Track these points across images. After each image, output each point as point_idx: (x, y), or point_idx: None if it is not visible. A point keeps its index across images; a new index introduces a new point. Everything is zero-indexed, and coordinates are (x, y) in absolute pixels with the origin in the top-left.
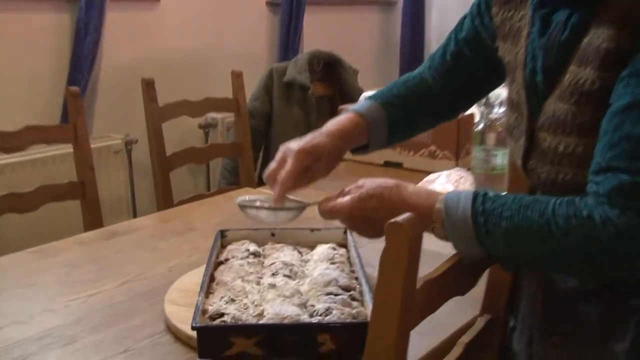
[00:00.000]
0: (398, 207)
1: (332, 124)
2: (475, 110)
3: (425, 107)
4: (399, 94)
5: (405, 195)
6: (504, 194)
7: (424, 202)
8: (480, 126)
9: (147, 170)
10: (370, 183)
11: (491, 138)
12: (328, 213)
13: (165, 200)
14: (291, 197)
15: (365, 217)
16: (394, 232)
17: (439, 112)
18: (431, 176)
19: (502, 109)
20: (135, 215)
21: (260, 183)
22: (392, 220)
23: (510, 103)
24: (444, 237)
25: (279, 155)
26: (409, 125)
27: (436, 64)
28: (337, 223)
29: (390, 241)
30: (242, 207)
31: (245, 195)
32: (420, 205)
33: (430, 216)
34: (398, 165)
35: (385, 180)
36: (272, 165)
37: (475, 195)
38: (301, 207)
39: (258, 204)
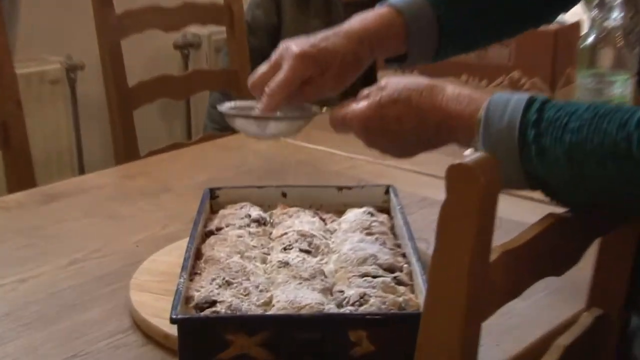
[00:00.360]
0: (429, 116)
1: (356, 22)
2: (581, 13)
3: (497, 2)
4: None
5: (439, 100)
6: (575, 101)
7: (463, 108)
8: (590, 39)
9: (100, 108)
10: (395, 83)
11: (606, 57)
12: (339, 123)
13: (127, 150)
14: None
15: (386, 130)
16: (457, 179)
17: (520, 12)
18: None
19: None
20: (82, 171)
21: None
22: (457, 162)
23: None
24: None
25: (273, 57)
26: (470, 31)
27: None
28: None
29: (453, 194)
30: (230, 116)
31: (235, 101)
32: (460, 114)
33: (472, 128)
34: None
35: (416, 79)
36: (262, 68)
37: (532, 100)
38: (307, 116)
39: (253, 112)
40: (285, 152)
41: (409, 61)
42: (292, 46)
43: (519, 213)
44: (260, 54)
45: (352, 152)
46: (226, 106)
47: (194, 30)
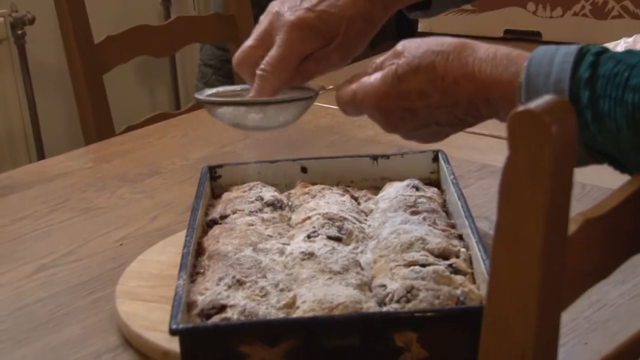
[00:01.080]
0: (460, 88)
1: None
2: None
3: None
4: None
5: (470, 65)
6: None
7: (501, 73)
8: None
9: (59, 73)
10: (415, 48)
11: None
12: (348, 104)
13: (99, 126)
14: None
15: (407, 109)
16: (522, 130)
17: None
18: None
19: None
20: (42, 154)
21: None
22: (522, 108)
23: None
24: None
25: (261, 26)
26: None
27: None
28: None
29: (517, 149)
30: (208, 103)
31: (219, 87)
32: (496, 81)
33: (513, 97)
34: (533, 36)
35: (440, 40)
36: (249, 42)
37: (583, 52)
38: (307, 98)
39: (234, 98)
40: (302, 118)
41: (436, 5)
42: (285, 13)
43: (607, 177)
44: None
45: None
46: (206, 93)
47: None
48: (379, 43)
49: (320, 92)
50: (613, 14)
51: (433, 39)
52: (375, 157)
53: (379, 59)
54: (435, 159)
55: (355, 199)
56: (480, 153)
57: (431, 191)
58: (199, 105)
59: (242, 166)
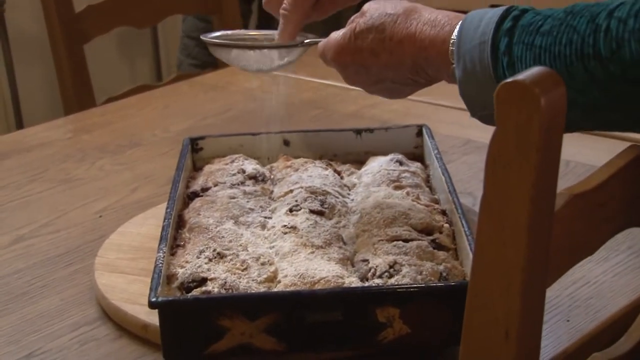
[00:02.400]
0: (403, 48)
1: None
2: None
3: None
4: None
5: (413, 27)
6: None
7: (437, 33)
8: None
9: (39, 42)
10: (375, 9)
11: None
12: (320, 55)
13: (79, 97)
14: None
15: (361, 64)
16: (510, 102)
17: None
18: None
19: None
20: (21, 124)
21: None
22: (509, 79)
23: None
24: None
25: None
26: None
27: None
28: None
29: (504, 122)
30: (213, 45)
31: (222, 31)
32: (433, 40)
33: (447, 55)
34: None
35: (398, 3)
36: None
37: (511, 9)
38: (301, 44)
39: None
40: (285, 91)
41: None
42: None
43: (592, 154)
44: None
45: None
46: (212, 35)
47: None
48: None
49: (315, 41)
50: None
51: (392, 2)
52: (358, 131)
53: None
54: (419, 133)
55: (338, 173)
56: (464, 128)
57: (415, 166)
58: (181, 77)
59: (223, 138)
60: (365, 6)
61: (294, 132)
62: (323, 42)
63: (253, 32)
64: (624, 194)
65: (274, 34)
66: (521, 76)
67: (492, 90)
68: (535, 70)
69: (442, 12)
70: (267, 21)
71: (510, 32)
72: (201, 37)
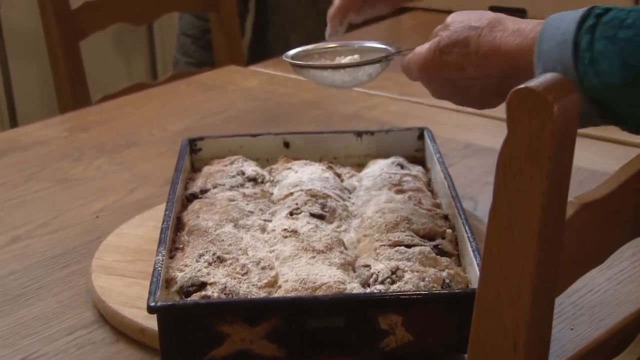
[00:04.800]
0: (490, 61)
1: None
2: None
3: None
4: None
5: (498, 38)
6: None
7: (521, 41)
8: None
9: (34, 39)
10: (458, 22)
11: None
12: (404, 70)
13: (75, 95)
14: (371, 42)
15: (448, 79)
16: (522, 109)
17: None
18: None
19: None
20: (15, 122)
21: (253, 59)
22: (522, 86)
23: None
24: None
25: None
26: None
27: None
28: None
29: (516, 129)
30: (296, 65)
31: (302, 47)
32: (519, 49)
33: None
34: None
35: (482, 15)
36: None
37: (593, 8)
38: (383, 59)
39: (323, 58)
40: (285, 91)
41: None
42: None
43: (595, 159)
44: None
45: (371, 87)
46: (292, 53)
47: None
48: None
49: (399, 53)
50: None
51: (476, 14)
52: (359, 134)
53: (437, 28)
54: (421, 136)
55: (339, 175)
56: (464, 131)
57: (416, 169)
58: (177, 75)
59: (223, 139)
60: (449, 18)
61: (294, 134)
62: (407, 58)
63: (333, 44)
64: (633, 203)
65: (354, 44)
66: (534, 83)
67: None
68: (548, 76)
69: (525, 21)
70: (264, 20)
71: (593, 30)
72: (283, 57)
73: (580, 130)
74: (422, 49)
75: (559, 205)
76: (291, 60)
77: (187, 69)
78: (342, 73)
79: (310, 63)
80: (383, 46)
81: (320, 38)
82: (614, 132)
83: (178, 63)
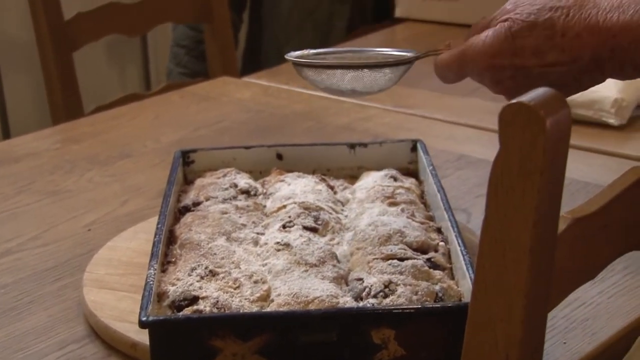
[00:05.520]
0: (582, 42)
1: None
2: None
3: None
4: None
5: (594, 14)
6: None
7: (630, 17)
8: None
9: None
10: (529, 4)
11: None
12: (454, 65)
13: (68, 106)
14: (385, 50)
15: (520, 67)
16: (514, 124)
17: None
18: None
19: None
20: (8, 135)
21: (247, 70)
22: (514, 100)
23: None
24: None
25: None
26: None
27: None
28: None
29: (508, 143)
30: (300, 65)
31: (305, 50)
32: (626, 26)
33: None
34: None
35: None
36: None
37: None
38: (404, 62)
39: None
40: (278, 103)
41: None
42: None
43: (588, 171)
44: None
45: (364, 98)
46: (295, 54)
47: None
48: (355, 27)
49: (423, 55)
50: None
51: None
52: (352, 146)
53: (484, 19)
54: (414, 148)
55: (332, 188)
56: (457, 143)
57: (409, 182)
58: (170, 86)
59: (215, 151)
60: (511, 4)
61: (287, 146)
62: (456, 53)
63: (341, 50)
64: (625, 217)
65: (367, 51)
66: (526, 97)
67: None
68: (540, 91)
69: None
70: (258, 30)
71: None
72: (285, 56)
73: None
74: (484, 38)
75: (551, 220)
76: (296, 60)
77: (181, 79)
78: (355, 76)
79: (317, 62)
80: (400, 52)
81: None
82: (606, 144)
83: (171, 73)
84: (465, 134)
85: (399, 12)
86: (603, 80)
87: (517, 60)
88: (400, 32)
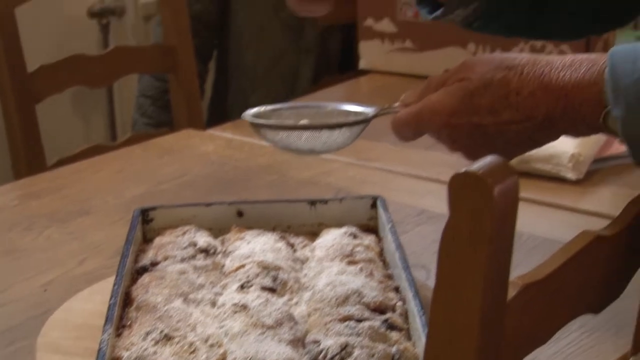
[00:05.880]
0: (536, 100)
1: None
2: None
3: None
4: None
5: (547, 72)
6: None
7: (581, 76)
8: None
9: None
10: (486, 63)
11: None
12: (411, 124)
13: (30, 159)
14: (343, 106)
15: (476, 125)
16: (463, 193)
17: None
18: None
19: None
20: None
21: (213, 120)
22: (463, 170)
23: None
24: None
25: None
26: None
27: None
28: (361, 186)
29: (457, 212)
30: (256, 125)
31: (261, 106)
32: (577, 85)
33: (598, 96)
34: None
35: (510, 55)
36: None
37: None
38: (361, 121)
39: (287, 121)
40: (241, 156)
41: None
42: None
43: (546, 225)
44: (203, 22)
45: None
46: (252, 112)
47: None
48: (320, 77)
49: (379, 113)
50: (548, 52)
51: (501, 55)
52: (313, 202)
53: (439, 77)
54: (374, 204)
55: (292, 245)
56: (418, 197)
57: (369, 239)
58: (135, 137)
59: (175, 209)
60: (468, 62)
61: (247, 203)
62: (413, 111)
63: (299, 105)
64: (577, 280)
65: (325, 106)
66: (474, 167)
67: None
68: (488, 160)
69: (576, 55)
70: (224, 80)
71: None
72: (242, 116)
73: (532, 197)
74: (442, 96)
75: (500, 287)
76: (252, 120)
77: (146, 129)
78: (313, 135)
79: (273, 122)
80: (361, 109)
81: (282, 100)
82: (564, 198)
83: (137, 124)
84: (426, 187)
85: (363, 64)
86: (557, 138)
87: (473, 119)
88: (365, 84)
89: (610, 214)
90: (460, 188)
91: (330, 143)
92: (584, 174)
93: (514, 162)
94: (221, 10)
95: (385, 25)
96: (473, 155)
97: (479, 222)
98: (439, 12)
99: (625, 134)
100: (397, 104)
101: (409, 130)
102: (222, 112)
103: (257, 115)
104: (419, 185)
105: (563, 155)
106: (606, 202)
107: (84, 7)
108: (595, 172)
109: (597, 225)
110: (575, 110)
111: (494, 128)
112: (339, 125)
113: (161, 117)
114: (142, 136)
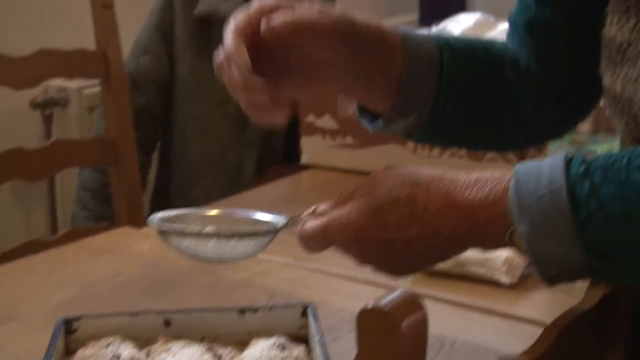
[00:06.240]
0: (442, 218)
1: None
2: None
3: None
4: (472, 46)
5: (452, 191)
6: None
7: (486, 194)
8: None
9: None
10: (390, 179)
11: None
12: (318, 237)
13: None
14: (253, 214)
15: (384, 240)
16: (371, 329)
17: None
18: None
19: None
20: None
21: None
22: (370, 306)
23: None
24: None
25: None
26: (473, 107)
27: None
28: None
29: (366, 349)
30: (164, 233)
31: (168, 211)
32: (482, 204)
33: (502, 215)
34: None
35: (418, 171)
36: None
37: (570, 155)
38: (268, 232)
39: (194, 228)
40: (175, 256)
41: (392, 115)
42: None
43: (480, 332)
44: (147, 115)
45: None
46: (158, 217)
47: (59, 83)
48: (264, 170)
49: (286, 224)
50: (488, 157)
51: (408, 170)
52: (242, 311)
53: (349, 191)
54: (304, 313)
55: (219, 357)
56: (354, 301)
57: (298, 350)
58: (73, 232)
59: (100, 319)
60: (375, 177)
61: (175, 313)
62: (319, 225)
63: (212, 212)
64: None
65: (236, 213)
66: (382, 302)
67: (572, 242)
68: (396, 294)
69: (480, 174)
70: (167, 173)
71: (589, 175)
72: (146, 221)
73: (466, 301)
74: (347, 211)
75: None
76: (155, 225)
77: (86, 223)
78: (220, 244)
79: (172, 229)
80: (270, 217)
81: (223, 196)
82: (498, 303)
83: (76, 218)
84: (362, 291)
85: (304, 159)
86: (465, 251)
87: (381, 235)
88: (306, 179)
89: (544, 321)
90: (368, 325)
91: (238, 252)
92: (518, 277)
93: (448, 264)
94: (165, 103)
95: (327, 121)
96: (382, 269)
97: (387, 357)
98: (379, 124)
99: (531, 251)
100: (308, 212)
101: (316, 243)
102: (165, 205)
103: (163, 220)
104: (356, 288)
105: (497, 259)
106: (541, 307)
107: (26, 99)
108: (529, 276)
109: (530, 332)
110: (481, 228)
111: (401, 244)
112: (249, 235)
113: (102, 211)
114: (81, 231)
